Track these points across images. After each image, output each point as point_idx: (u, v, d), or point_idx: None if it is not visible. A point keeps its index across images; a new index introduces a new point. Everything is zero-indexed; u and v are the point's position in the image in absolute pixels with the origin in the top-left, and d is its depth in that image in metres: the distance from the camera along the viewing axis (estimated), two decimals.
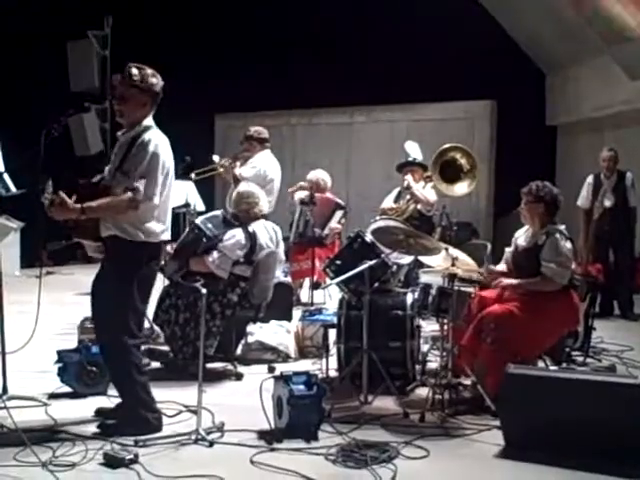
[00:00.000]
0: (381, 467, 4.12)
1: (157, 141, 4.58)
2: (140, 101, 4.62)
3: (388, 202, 8.20)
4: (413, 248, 5.43)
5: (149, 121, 4.69)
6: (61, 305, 8.90)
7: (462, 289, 5.38)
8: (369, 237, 5.73)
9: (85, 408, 5.11)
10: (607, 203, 8.47)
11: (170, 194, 4.73)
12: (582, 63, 13.36)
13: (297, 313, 7.46)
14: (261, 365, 6.38)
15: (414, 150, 8.42)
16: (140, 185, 4.46)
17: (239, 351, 6.49)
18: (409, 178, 8.02)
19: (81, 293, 10.31)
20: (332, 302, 8.48)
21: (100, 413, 4.91)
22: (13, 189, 5.57)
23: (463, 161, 7.72)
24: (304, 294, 9.19)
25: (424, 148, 8.41)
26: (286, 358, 6.57)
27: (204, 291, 4.62)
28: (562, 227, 5.52)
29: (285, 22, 14.71)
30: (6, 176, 5.57)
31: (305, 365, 6.32)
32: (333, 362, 5.97)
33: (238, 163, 7.89)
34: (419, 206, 7.99)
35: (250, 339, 6.58)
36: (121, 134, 4.76)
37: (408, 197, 8.05)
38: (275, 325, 6.75)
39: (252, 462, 4.21)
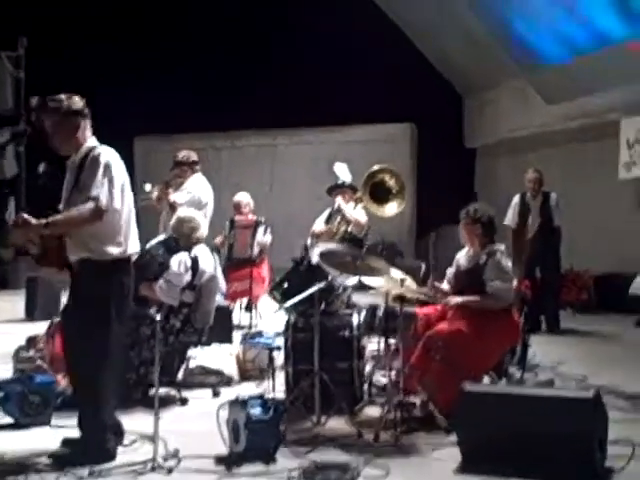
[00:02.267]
0: None
1: (107, 155, 4.60)
2: (70, 126, 4.63)
3: (319, 224, 8.23)
4: (360, 269, 5.48)
5: (92, 141, 4.70)
6: None
7: (407, 309, 5.46)
8: (315, 259, 5.75)
9: (29, 439, 5.00)
10: (531, 222, 8.81)
11: (131, 205, 4.73)
12: (499, 86, 13.79)
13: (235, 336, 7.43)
14: (204, 389, 6.34)
15: (343, 172, 8.47)
16: (100, 193, 4.44)
17: (180, 376, 6.43)
18: (339, 200, 8.06)
19: (3, 320, 10.08)
20: (262, 323, 8.49)
21: (67, 443, 4.76)
22: None
23: (392, 182, 7.81)
24: (234, 316, 9.16)
25: (348, 170, 8.50)
26: (229, 381, 6.54)
27: (158, 317, 4.58)
28: (502, 246, 5.67)
29: (206, 44, 14.71)
30: None
31: (249, 388, 6.27)
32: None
33: (171, 189, 7.81)
34: (350, 228, 8.04)
35: (192, 363, 6.53)
36: (69, 161, 4.75)
37: (339, 219, 8.10)
38: (216, 348, 6.71)
39: None
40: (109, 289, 4.57)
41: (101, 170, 4.50)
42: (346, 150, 13.72)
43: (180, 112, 14.43)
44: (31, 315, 10.16)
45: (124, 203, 4.62)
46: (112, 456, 4.54)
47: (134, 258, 4.84)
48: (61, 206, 4.67)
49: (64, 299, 9.57)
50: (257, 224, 9.32)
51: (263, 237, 9.40)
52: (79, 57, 14.38)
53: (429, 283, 5.82)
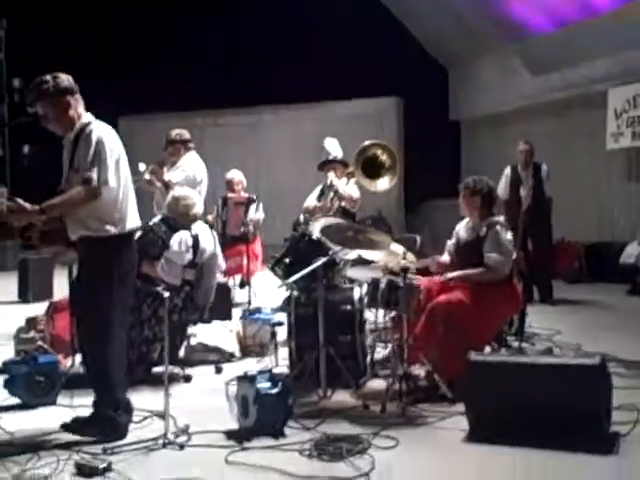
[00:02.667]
0: (357, 459, 4.18)
1: (100, 130, 4.58)
2: (60, 106, 4.59)
3: (311, 200, 8.22)
4: (362, 243, 5.50)
5: (87, 117, 4.66)
6: None
7: (409, 281, 5.48)
8: (316, 235, 5.78)
9: (37, 419, 5.01)
10: (523, 193, 8.89)
11: (128, 180, 4.71)
12: (484, 59, 13.80)
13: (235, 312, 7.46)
14: (205, 366, 6.37)
15: (334, 147, 8.46)
16: (92, 173, 4.44)
17: (181, 353, 6.45)
18: (332, 176, 8.05)
19: None
20: (257, 300, 8.50)
21: (77, 422, 4.74)
22: None
23: (384, 157, 7.82)
24: None
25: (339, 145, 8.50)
26: (230, 358, 6.56)
27: (167, 294, 4.59)
28: (501, 218, 5.72)
29: (189, 23, 14.63)
30: None
31: (250, 364, 6.33)
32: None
33: (165, 169, 7.79)
34: (343, 203, 8.04)
35: (193, 341, 6.55)
36: (65, 139, 4.72)
37: (331, 195, 8.09)
38: (217, 325, 6.73)
39: (227, 462, 4.20)
40: (110, 264, 4.58)
41: (93, 148, 4.48)
42: (332, 125, 13.70)
43: (164, 91, 14.36)
44: (24, 297, 10.14)
45: (120, 179, 4.60)
46: (124, 433, 4.58)
47: (136, 234, 4.85)
48: (62, 184, 4.66)
49: (57, 279, 9.64)
50: (250, 201, 9.32)
51: (255, 214, 9.40)
52: (60, 37, 14.27)
53: (432, 258, 5.86)
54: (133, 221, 4.73)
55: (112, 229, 4.57)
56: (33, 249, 5.33)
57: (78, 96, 4.67)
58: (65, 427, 4.60)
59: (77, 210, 4.52)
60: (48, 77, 4.60)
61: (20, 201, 4.40)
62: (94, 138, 4.49)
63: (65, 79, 4.63)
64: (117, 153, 4.60)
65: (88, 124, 4.59)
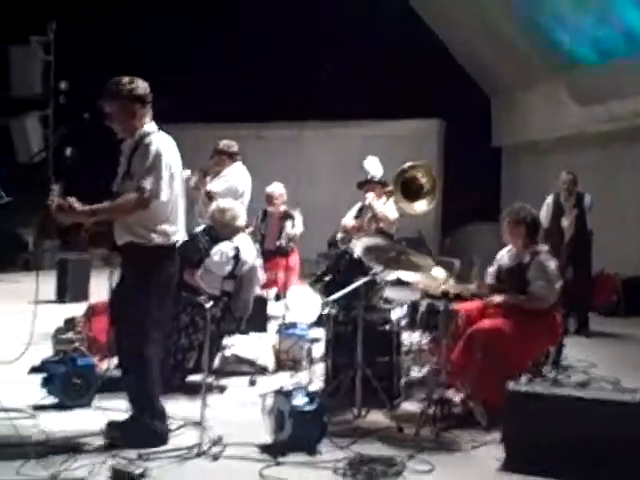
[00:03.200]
0: None
1: (159, 142, 4.61)
2: (128, 111, 4.62)
3: (349, 219, 8.19)
4: (404, 265, 5.50)
5: (150, 127, 4.69)
6: (19, 314, 8.66)
7: (449, 306, 5.47)
8: (357, 253, 5.77)
9: (73, 421, 5.05)
10: (565, 223, 8.81)
11: (180, 194, 4.75)
12: (528, 88, 13.75)
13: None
14: (238, 378, 6.38)
15: (374, 166, 8.43)
16: (146, 183, 4.48)
17: (216, 364, 6.46)
18: (370, 197, 8.00)
19: (35, 302, 10.08)
20: (290, 314, 8.49)
21: (112, 426, 4.76)
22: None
23: (424, 180, 7.77)
24: None
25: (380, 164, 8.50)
26: (262, 371, 6.57)
27: (208, 305, 4.62)
28: (546, 247, 5.69)
29: (236, 35, 14.72)
30: None
31: (283, 378, 6.32)
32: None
33: (208, 178, 7.82)
34: (381, 224, 8.01)
35: (227, 352, 6.56)
36: (124, 144, 4.78)
37: (369, 215, 8.05)
38: (253, 338, 6.75)
39: (262, 476, 4.20)
40: (152, 272, 4.61)
41: (150, 159, 4.53)
42: (374, 144, 13.67)
43: (206, 101, 14.47)
44: (62, 297, 10.22)
45: (172, 192, 4.63)
46: (165, 441, 4.60)
47: (179, 244, 4.87)
48: (114, 187, 4.71)
49: (94, 281, 9.71)
50: (287, 216, 9.35)
51: (292, 229, 9.41)
52: (107, 41, 14.45)
53: (477, 282, 5.84)
54: (179, 234, 4.76)
55: (158, 239, 4.61)
56: (79, 250, 5.39)
57: (149, 106, 4.71)
58: (107, 435, 4.61)
59: (126, 216, 4.57)
60: (126, 80, 4.64)
61: (72, 200, 4.44)
62: (153, 150, 4.53)
63: (141, 87, 4.66)
64: (173, 166, 4.64)
65: (149, 134, 4.62)
